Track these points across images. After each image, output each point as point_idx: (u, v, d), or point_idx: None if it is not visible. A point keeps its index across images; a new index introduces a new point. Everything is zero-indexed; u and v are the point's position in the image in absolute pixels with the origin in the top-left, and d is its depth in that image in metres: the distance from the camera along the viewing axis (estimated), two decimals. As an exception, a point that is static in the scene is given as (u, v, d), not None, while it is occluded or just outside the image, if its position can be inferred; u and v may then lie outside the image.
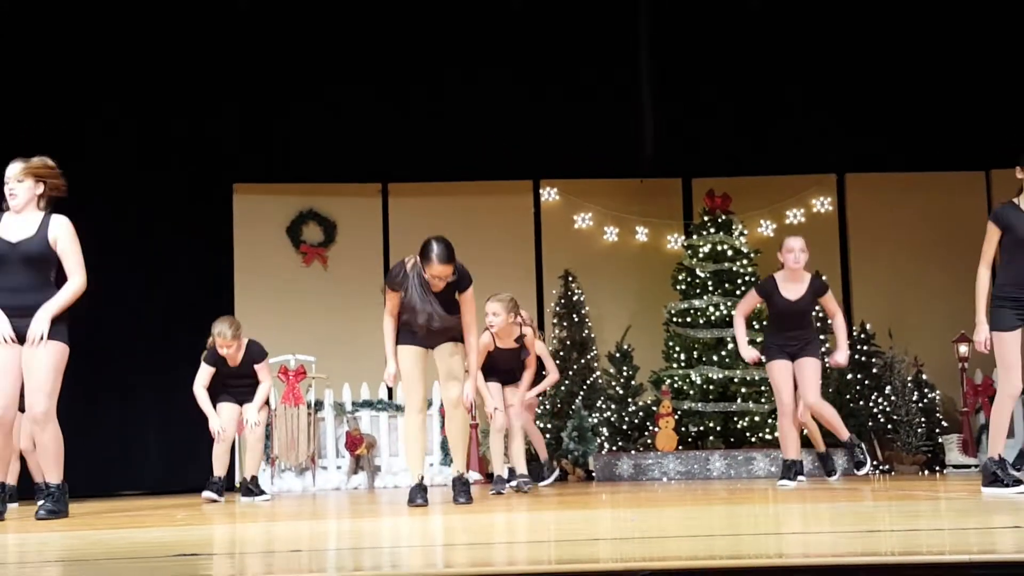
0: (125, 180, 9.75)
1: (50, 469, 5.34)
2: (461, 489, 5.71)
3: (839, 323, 6.98)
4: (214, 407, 7.35)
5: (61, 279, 5.33)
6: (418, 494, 5.55)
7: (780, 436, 7.04)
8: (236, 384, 7.43)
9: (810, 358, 6.80)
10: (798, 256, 6.76)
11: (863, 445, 7.05)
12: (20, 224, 5.25)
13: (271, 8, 9.89)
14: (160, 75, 9.94)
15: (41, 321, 5.14)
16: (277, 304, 10.36)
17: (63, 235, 5.24)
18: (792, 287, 6.81)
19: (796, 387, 6.94)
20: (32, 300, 5.19)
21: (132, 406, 10.03)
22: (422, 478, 5.65)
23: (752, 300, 7.11)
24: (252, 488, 7.48)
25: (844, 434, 6.93)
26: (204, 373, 7.35)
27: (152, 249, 9.91)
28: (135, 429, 10.06)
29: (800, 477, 8.07)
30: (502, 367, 7.26)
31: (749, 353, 7.04)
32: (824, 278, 7.11)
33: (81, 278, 5.26)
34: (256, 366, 7.39)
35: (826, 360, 7.15)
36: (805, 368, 6.80)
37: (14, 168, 5.30)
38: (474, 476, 9.68)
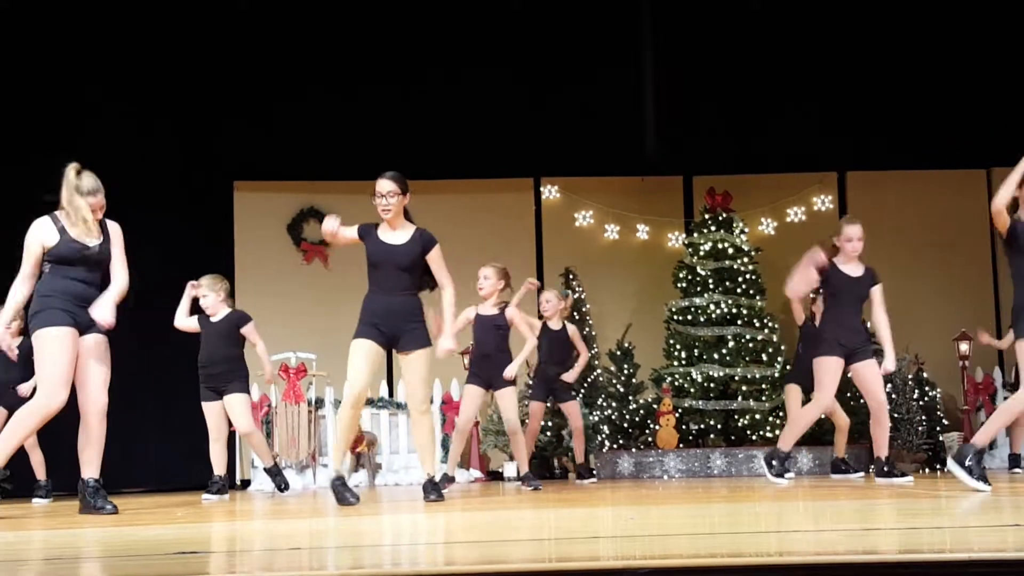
0: (124, 177, 9.70)
1: (96, 463, 5.55)
2: (431, 489, 5.75)
3: (884, 325, 6.72)
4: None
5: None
6: (337, 489, 5.65)
7: (794, 424, 6.92)
8: (213, 360, 7.37)
9: (871, 360, 6.71)
10: (856, 245, 6.75)
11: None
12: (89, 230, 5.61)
13: (272, 6, 9.89)
14: (160, 73, 9.93)
15: (109, 307, 5.53)
16: (278, 302, 10.36)
17: (116, 240, 5.70)
18: (852, 267, 6.80)
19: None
20: (97, 296, 5.59)
21: (132, 404, 9.99)
22: (340, 472, 5.74)
23: (809, 275, 6.84)
24: (275, 476, 7.60)
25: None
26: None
27: (152, 247, 9.84)
28: (135, 427, 10.05)
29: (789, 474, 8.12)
30: (479, 344, 7.27)
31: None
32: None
33: (126, 277, 5.71)
34: (243, 330, 7.45)
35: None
36: (870, 373, 6.69)
37: (98, 185, 5.61)
38: (475, 474, 9.71)
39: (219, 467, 7.46)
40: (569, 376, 8.41)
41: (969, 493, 5.22)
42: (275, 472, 7.68)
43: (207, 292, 7.48)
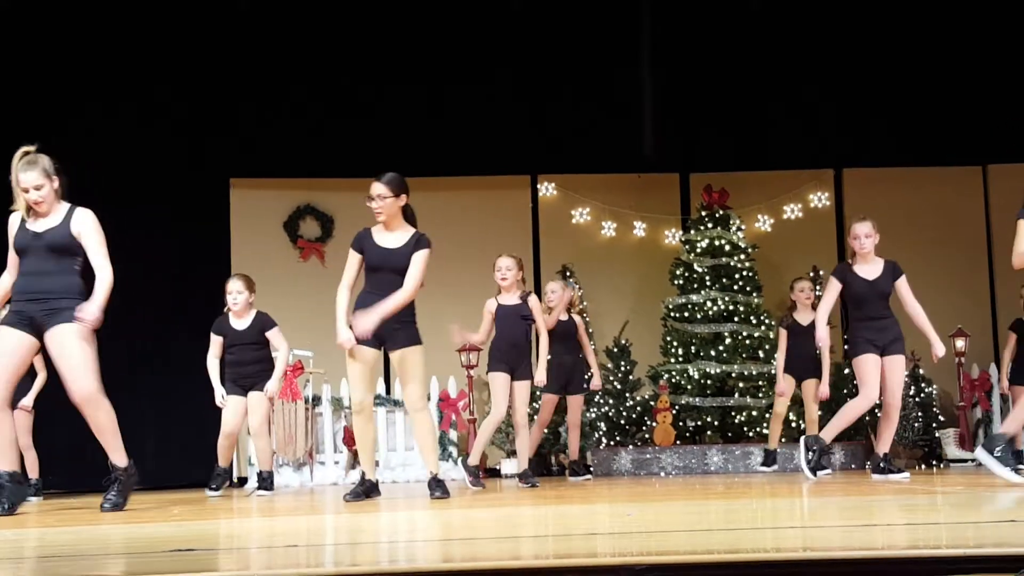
0: (121, 175, 9.73)
1: (111, 449, 5.40)
2: (436, 486, 5.76)
3: (919, 314, 6.69)
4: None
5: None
6: (354, 490, 5.74)
7: (841, 416, 6.84)
8: (243, 362, 7.30)
9: (901, 356, 6.71)
10: (863, 242, 6.70)
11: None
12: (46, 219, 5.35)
13: (271, 6, 9.87)
14: (157, 71, 9.92)
15: (94, 305, 5.23)
16: (274, 299, 10.30)
17: (86, 229, 5.31)
18: (867, 268, 6.74)
19: None
20: (51, 285, 5.26)
21: (129, 400, 9.96)
22: (363, 475, 5.77)
23: (833, 289, 6.83)
24: (265, 482, 7.53)
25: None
26: (212, 344, 7.38)
27: (148, 244, 9.88)
28: (132, 424, 9.95)
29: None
30: (506, 334, 7.22)
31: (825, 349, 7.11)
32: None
33: (107, 271, 5.32)
34: (268, 333, 7.31)
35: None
36: (896, 369, 6.69)
37: (31, 177, 5.26)
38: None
39: (224, 459, 7.42)
40: (596, 383, 8.63)
41: (964, 489, 5.22)
42: (265, 477, 7.57)
43: (243, 290, 7.29)
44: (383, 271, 5.73)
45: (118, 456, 5.41)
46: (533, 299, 7.31)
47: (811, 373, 8.17)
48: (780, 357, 8.33)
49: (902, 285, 6.72)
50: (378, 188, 5.71)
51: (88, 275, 5.37)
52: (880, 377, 6.70)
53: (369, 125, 10.34)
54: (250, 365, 7.31)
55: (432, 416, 5.88)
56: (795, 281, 8.55)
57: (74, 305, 5.22)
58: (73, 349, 5.21)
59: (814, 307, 8.39)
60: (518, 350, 7.22)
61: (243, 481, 9.87)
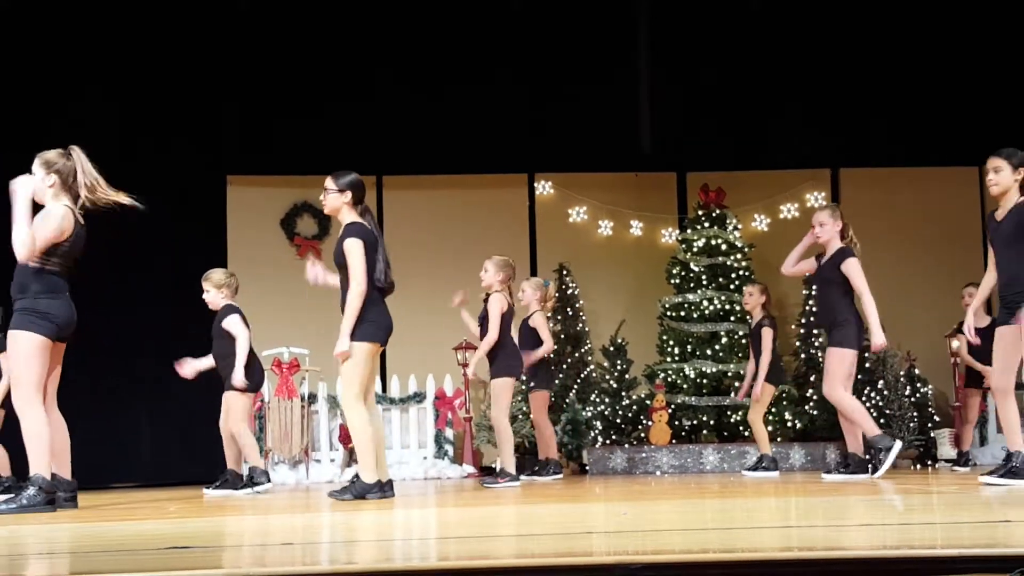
0: (117, 170, 9.68)
1: (30, 459, 5.18)
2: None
3: (866, 303, 6.54)
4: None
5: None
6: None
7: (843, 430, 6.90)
8: (216, 356, 7.29)
9: (831, 347, 6.61)
10: (818, 232, 6.77)
11: (887, 450, 6.44)
12: None
13: (270, 4, 9.86)
14: (154, 66, 9.91)
15: None
16: (271, 297, 10.34)
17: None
18: (825, 255, 6.85)
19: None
20: (15, 281, 5.29)
21: (125, 397, 10.01)
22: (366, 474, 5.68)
23: (804, 253, 7.00)
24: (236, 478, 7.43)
25: (872, 431, 6.55)
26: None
27: (144, 240, 9.86)
28: (128, 421, 10.05)
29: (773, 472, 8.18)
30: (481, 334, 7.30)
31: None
32: (855, 248, 6.73)
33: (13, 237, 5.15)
34: (222, 324, 7.20)
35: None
36: (827, 357, 6.65)
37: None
38: (468, 469, 9.73)
39: (230, 461, 7.40)
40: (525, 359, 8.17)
41: (959, 489, 5.23)
42: (241, 476, 7.37)
43: (208, 289, 7.30)
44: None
45: (31, 466, 5.15)
46: (491, 300, 7.22)
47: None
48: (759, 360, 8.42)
49: (847, 269, 6.60)
50: (327, 181, 5.79)
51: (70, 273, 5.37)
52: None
53: (367, 123, 10.33)
54: (220, 360, 7.28)
55: (361, 416, 5.67)
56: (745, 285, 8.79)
57: (25, 306, 5.17)
58: (10, 355, 5.22)
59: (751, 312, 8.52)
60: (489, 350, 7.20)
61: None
